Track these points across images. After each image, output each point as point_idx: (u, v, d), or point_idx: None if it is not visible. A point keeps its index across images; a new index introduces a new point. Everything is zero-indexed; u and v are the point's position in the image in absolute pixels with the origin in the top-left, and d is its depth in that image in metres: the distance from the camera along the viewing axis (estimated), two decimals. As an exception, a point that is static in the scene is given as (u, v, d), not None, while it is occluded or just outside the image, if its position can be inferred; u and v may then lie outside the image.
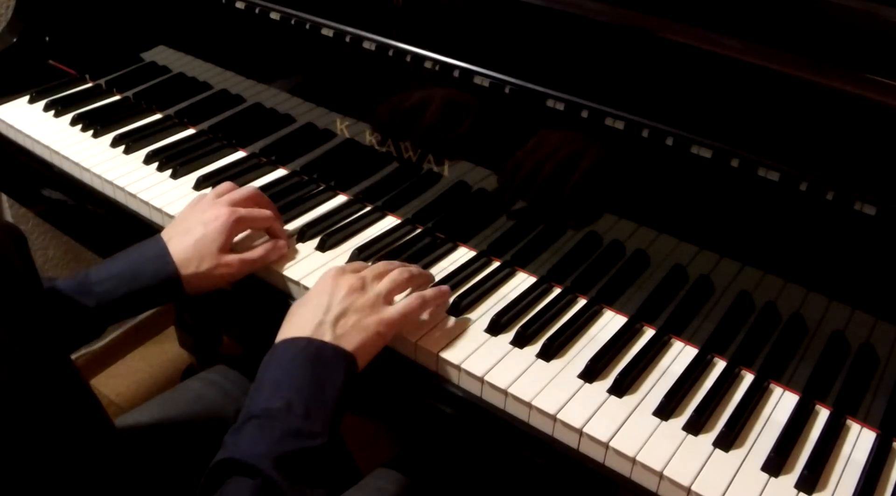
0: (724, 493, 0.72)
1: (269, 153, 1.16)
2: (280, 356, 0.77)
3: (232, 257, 0.90)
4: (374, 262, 0.95)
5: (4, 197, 1.54)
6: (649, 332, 0.89)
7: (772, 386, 0.83)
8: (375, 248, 0.98)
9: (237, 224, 0.92)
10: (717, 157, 0.77)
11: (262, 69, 1.11)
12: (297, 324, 0.79)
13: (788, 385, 0.83)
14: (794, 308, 0.80)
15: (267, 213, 0.96)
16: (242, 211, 0.92)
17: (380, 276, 0.85)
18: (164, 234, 0.91)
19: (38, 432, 0.57)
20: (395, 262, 0.89)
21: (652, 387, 0.82)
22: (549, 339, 0.85)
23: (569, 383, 0.81)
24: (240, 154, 1.18)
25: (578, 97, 0.83)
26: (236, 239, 0.95)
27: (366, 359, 0.80)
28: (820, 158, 0.74)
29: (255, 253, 0.93)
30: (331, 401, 0.74)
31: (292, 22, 1.01)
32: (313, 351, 0.76)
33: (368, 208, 1.06)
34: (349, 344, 0.78)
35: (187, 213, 0.94)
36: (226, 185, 0.97)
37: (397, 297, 0.85)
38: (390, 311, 0.81)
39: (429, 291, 0.86)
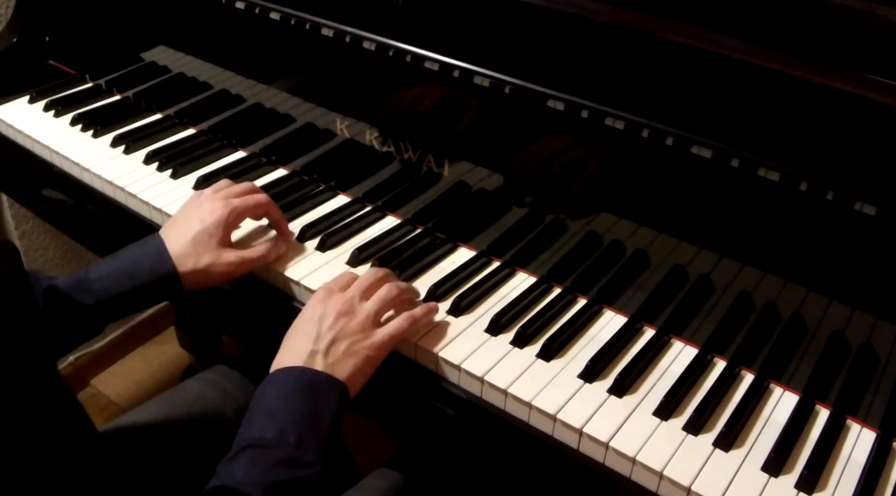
0: (724, 493, 0.72)
1: (269, 153, 1.16)
2: (273, 385, 0.77)
3: (232, 254, 0.90)
4: (372, 265, 0.95)
5: (4, 197, 1.54)
6: (649, 332, 0.89)
7: (772, 386, 0.83)
8: (375, 248, 0.98)
9: (234, 217, 0.92)
10: (717, 157, 0.77)
11: (262, 69, 1.11)
12: (290, 354, 0.79)
13: (788, 385, 0.83)
14: (794, 308, 0.80)
15: (261, 196, 0.96)
16: (237, 201, 0.93)
17: (368, 293, 0.84)
18: (162, 232, 0.91)
19: (22, 445, 0.57)
20: (382, 271, 0.88)
21: (652, 387, 0.82)
22: (549, 339, 0.85)
23: (569, 383, 0.81)
24: (240, 154, 1.18)
25: (578, 97, 0.83)
26: (238, 237, 0.95)
27: (359, 384, 0.80)
28: (820, 158, 0.74)
29: (255, 251, 0.93)
30: (324, 430, 0.74)
31: (292, 22, 1.01)
32: (306, 380, 0.76)
33: (368, 208, 1.06)
34: (341, 372, 0.78)
35: (184, 210, 0.94)
36: (222, 182, 0.98)
37: (387, 314, 0.85)
38: (380, 334, 0.81)
39: (418, 310, 0.85)
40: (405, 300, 0.87)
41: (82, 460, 0.65)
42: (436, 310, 0.88)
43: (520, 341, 0.86)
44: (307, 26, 1.00)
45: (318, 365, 0.77)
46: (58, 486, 0.61)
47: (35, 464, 0.59)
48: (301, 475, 0.71)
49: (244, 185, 0.97)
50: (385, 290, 0.85)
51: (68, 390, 0.65)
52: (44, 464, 0.60)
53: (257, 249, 0.93)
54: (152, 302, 0.90)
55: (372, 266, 0.95)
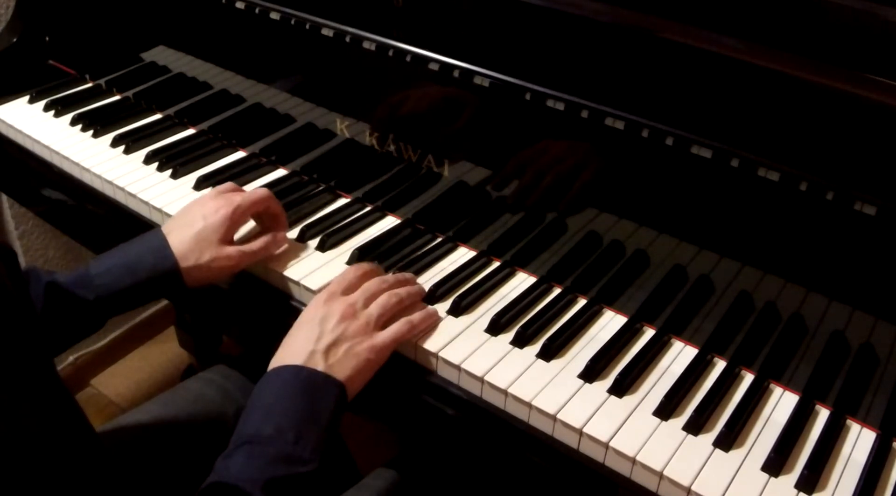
0: (724, 493, 0.72)
1: (269, 153, 1.16)
2: (272, 383, 0.77)
3: (232, 249, 0.91)
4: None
5: (4, 197, 1.54)
6: (649, 332, 0.89)
7: (772, 386, 0.83)
8: (375, 248, 0.98)
9: (238, 214, 0.92)
10: (717, 157, 0.77)
11: (262, 69, 1.11)
12: (290, 352, 0.79)
13: (788, 385, 0.83)
14: (794, 308, 0.80)
15: (262, 190, 0.95)
16: (239, 198, 0.93)
17: (371, 299, 0.84)
18: (165, 227, 0.91)
19: (20, 447, 0.57)
20: (389, 277, 0.89)
21: (652, 387, 0.82)
22: (549, 339, 0.85)
23: (569, 383, 0.81)
24: (240, 154, 1.18)
25: (578, 97, 0.83)
26: (238, 235, 0.95)
27: (358, 386, 0.80)
28: (820, 158, 0.74)
29: (255, 245, 0.93)
30: (321, 429, 0.74)
31: (292, 22, 1.01)
32: (304, 378, 0.76)
33: (368, 208, 1.06)
34: (340, 373, 0.78)
35: (188, 208, 0.94)
36: (228, 184, 0.98)
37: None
38: (380, 338, 0.82)
39: (416, 316, 0.86)
40: (407, 307, 0.87)
41: (81, 461, 0.65)
42: (435, 316, 0.88)
43: (520, 341, 0.86)
44: (307, 26, 1.00)
45: (318, 365, 0.77)
46: (57, 487, 0.61)
47: (33, 465, 0.59)
48: (298, 471, 0.71)
49: (254, 191, 0.97)
50: (386, 297, 0.85)
51: (66, 392, 0.65)
52: (42, 466, 0.59)
53: (257, 242, 0.93)
54: (153, 297, 0.90)
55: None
